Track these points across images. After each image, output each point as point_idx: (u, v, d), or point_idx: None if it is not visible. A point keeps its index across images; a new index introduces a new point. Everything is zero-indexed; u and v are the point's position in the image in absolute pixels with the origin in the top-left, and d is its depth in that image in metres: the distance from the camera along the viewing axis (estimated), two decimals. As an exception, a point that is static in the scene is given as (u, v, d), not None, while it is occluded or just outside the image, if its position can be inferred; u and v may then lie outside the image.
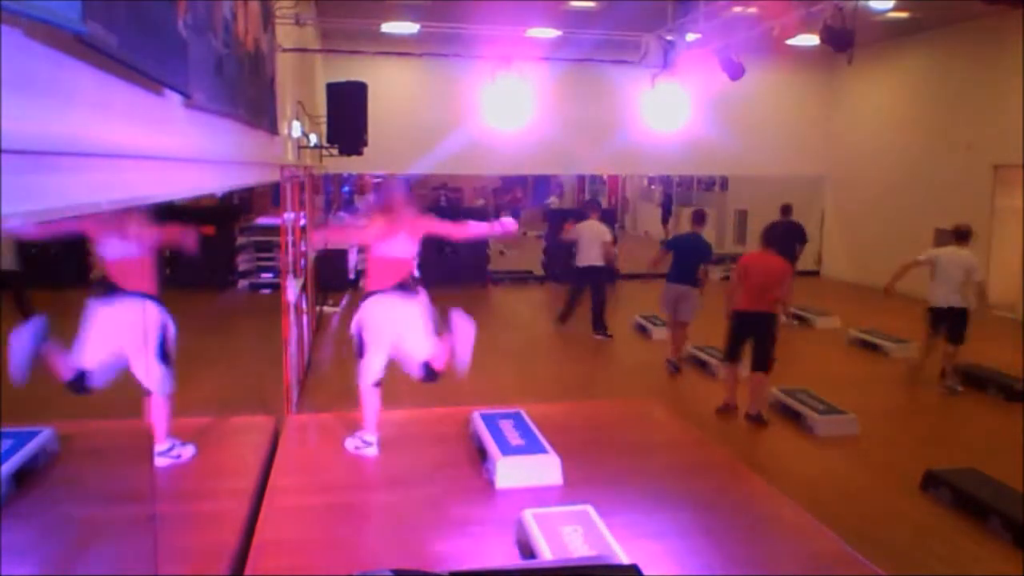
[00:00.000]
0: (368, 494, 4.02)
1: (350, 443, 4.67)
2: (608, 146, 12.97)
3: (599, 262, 9.25)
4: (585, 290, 9.47)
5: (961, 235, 7.30)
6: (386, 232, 4.54)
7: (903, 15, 11.28)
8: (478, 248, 13.72)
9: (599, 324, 9.41)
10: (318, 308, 10.06)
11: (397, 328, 4.50)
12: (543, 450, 4.33)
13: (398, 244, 4.53)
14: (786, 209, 10.19)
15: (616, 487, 4.15)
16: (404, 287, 4.50)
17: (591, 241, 9.24)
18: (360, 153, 7.76)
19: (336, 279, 12.51)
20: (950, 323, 7.22)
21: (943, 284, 7.20)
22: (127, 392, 5.17)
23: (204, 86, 2.61)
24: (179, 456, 4.37)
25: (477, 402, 5.16)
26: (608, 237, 9.36)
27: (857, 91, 14.02)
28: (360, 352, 4.56)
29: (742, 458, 4.79)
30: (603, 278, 9.52)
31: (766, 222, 7.43)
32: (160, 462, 4.28)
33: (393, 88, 12.55)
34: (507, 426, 4.66)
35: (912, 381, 7.52)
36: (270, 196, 12.10)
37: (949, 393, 7.23)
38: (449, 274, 13.27)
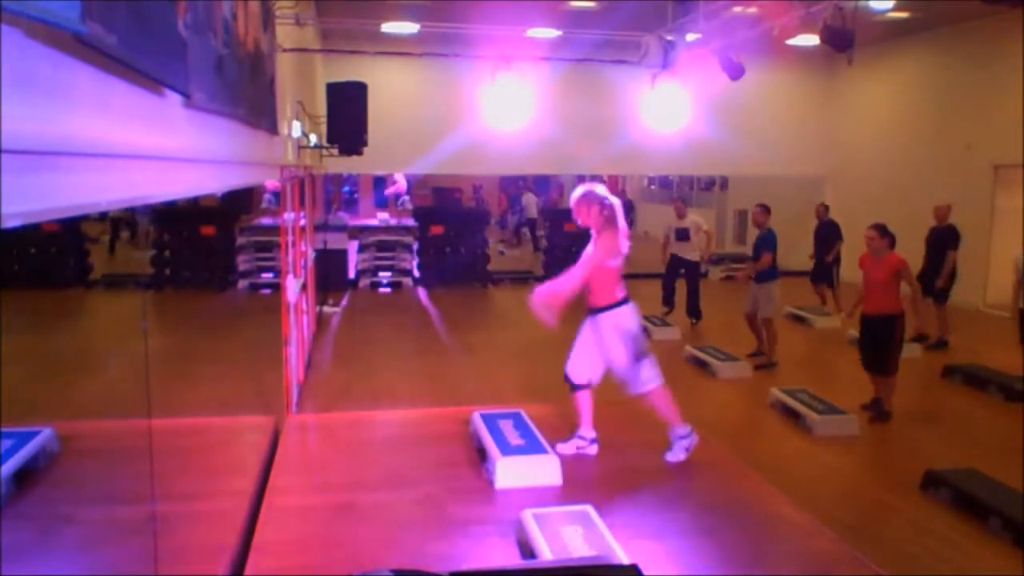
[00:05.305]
0: (368, 494, 4.02)
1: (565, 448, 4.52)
2: (608, 146, 12.97)
3: (679, 253, 10.31)
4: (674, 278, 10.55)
5: None
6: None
7: (903, 15, 11.28)
8: (478, 249, 13.73)
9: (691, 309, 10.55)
10: (318, 308, 10.06)
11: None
12: (543, 450, 4.33)
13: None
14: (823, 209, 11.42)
15: (616, 487, 4.15)
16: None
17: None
18: (360, 153, 7.76)
19: (336, 279, 12.52)
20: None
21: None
22: (127, 392, 5.18)
23: (204, 86, 2.61)
24: None
25: (477, 402, 5.16)
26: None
27: (857, 91, 14.01)
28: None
29: (742, 458, 4.79)
30: (688, 268, 10.40)
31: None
32: None
33: (393, 88, 12.55)
34: (507, 426, 4.65)
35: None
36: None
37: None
38: (450, 274, 13.29)
